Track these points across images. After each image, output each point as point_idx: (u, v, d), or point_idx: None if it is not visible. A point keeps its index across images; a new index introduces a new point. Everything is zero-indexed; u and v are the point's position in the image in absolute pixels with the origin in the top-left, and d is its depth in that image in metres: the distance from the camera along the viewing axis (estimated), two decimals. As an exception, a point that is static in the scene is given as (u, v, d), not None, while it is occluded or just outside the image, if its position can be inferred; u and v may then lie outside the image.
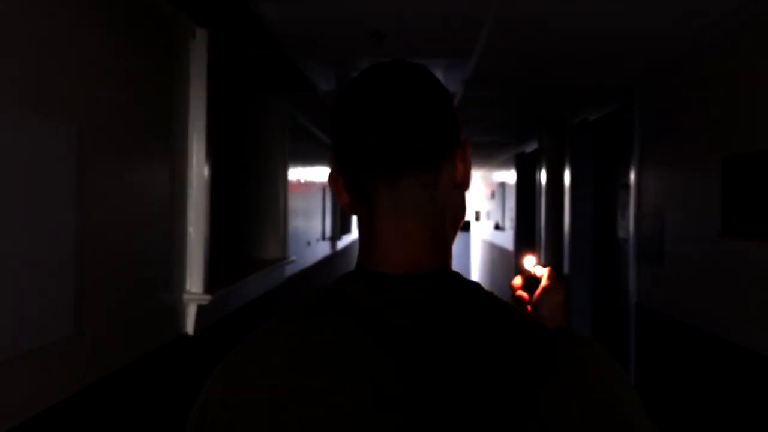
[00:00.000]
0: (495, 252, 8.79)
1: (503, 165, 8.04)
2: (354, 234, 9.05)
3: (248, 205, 3.80)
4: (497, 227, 8.39)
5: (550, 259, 5.39)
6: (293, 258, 4.03)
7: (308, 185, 5.11)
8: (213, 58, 2.49)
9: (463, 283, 0.73)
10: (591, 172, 4.60)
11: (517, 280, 1.01)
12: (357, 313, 0.70)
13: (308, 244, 5.12)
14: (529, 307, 0.98)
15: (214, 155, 2.57)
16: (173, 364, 2.36)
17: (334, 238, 6.69)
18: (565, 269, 4.76)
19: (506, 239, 7.76)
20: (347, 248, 8.24)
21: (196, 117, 2.42)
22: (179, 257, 2.37)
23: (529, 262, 1.05)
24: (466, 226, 12.83)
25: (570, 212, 4.67)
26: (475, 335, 0.67)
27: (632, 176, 3.42)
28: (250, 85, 3.64)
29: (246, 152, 3.77)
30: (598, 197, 4.53)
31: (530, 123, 5.44)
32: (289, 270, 4.29)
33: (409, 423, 0.64)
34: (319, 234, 5.77)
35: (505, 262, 7.82)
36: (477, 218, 10.91)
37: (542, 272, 1.01)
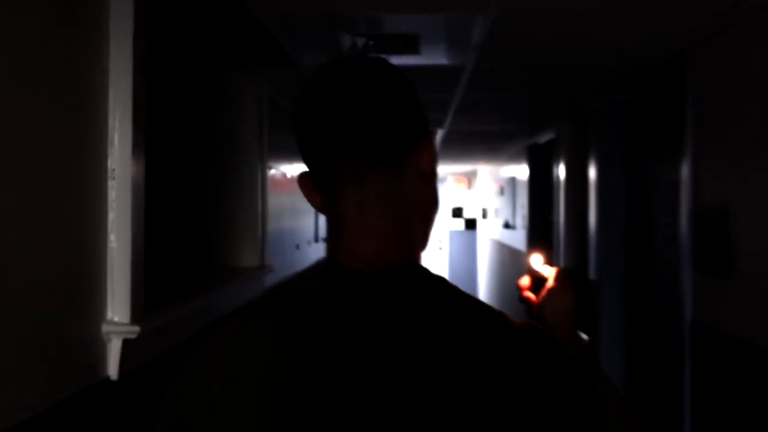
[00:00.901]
0: (504, 252, 8.14)
1: (513, 158, 7.38)
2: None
3: (217, 205, 3.17)
4: (507, 225, 7.74)
5: (572, 262, 4.74)
6: (273, 265, 3.39)
7: (295, 181, 4.47)
8: (147, 11, 1.86)
9: (425, 277, 0.72)
10: (621, 164, 3.95)
11: (525, 281, 1.00)
12: (306, 311, 0.69)
13: (297, 247, 4.49)
14: (535, 309, 0.96)
15: (161, 145, 1.93)
16: (90, 419, 1.73)
17: (318, 239, 6.06)
18: (591, 274, 4.12)
19: (517, 239, 7.11)
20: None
21: (120, 92, 1.78)
22: (96, 277, 1.74)
23: (537, 261, 1.00)
24: (472, 225, 12.19)
25: (596, 210, 4.02)
26: (430, 331, 0.66)
27: (684, 167, 2.77)
28: (213, 55, 3.00)
29: (213, 142, 3.14)
30: (632, 192, 3.89)
31: (545, 109, 4.78)
32: (272, 279, 3.66)
33: (353, 425, 0.62)
34: (311, 235, 5.14)
35: (516, 263, 7.17)
36: (484, 216, 10.25)
37: (550, 273, 0.98)
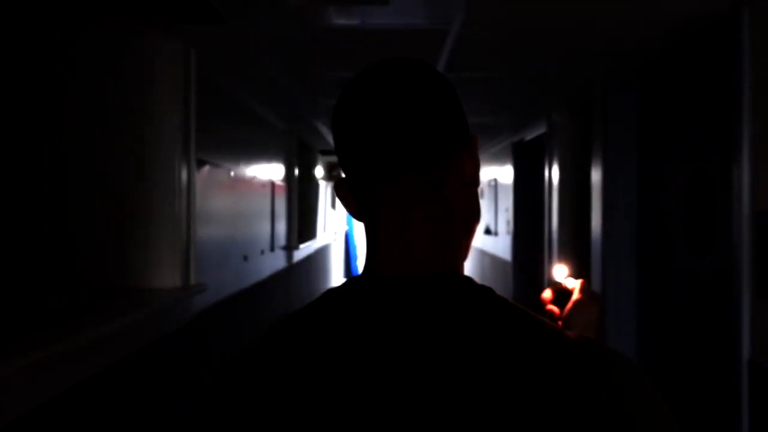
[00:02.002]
0: (485, 260, 7.45)
1: (495, 158, 6.70)
2: (321, 240, 7.68)
3: (119, 210, 2.41)
4: (488, 231, 7.05)
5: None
6: (203, 285, 2.64)
7: (245, 180, 3.72)
8: None
9: (471, 287, 0.69)
10: (632, 159, 3.26)
11: (547, 293, 0.97)
12: (348, 320, 0.67)
13: (245, 258, 3.74)
14: (560, 323, 0.93)
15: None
16: None
17: (291, 247, 5.31)
18: (595, 287, 3.43)
19: (501, 246, 6.42)
20: (311, 258, 6.85)
21: None
22: None
23: (560, 273, 0.99)
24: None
25: (601, 214, 3.33)
26: (474, 343, 0.62)
27: (745, 163, 2.06)
28: (118, 10, 2.24)
29: (116, 127, 2.38)
30: (646, 193, 3.20)
31: (536, 95, 4.09)
32: (208, 298, 2.91)
33: None
34: (266, 243, 4.40)
35: (500, 273, 6.48)
36: (462, 220, 9.58)
37: (574, 284, 0.96)
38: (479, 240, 7.80)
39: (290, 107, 4.39)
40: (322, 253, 7.99)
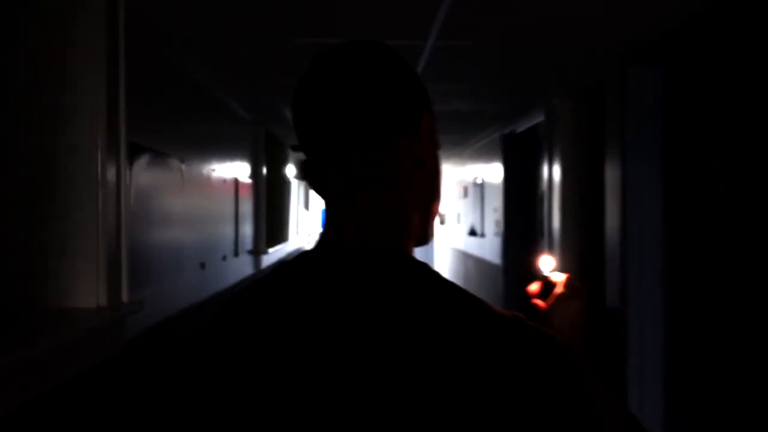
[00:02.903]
0: (469, 264, 6.96)
1: (481, 153, 6.20)
2: (294, 243, 7.12)
3: (30, 207, 1.83)
4: (473, 233, 6.55)
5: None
6: (138, 303, 2.07)
7: (202, 175, 3.16)
8: None
9: (404, 260, 0.69)
10: (658, 149, 2.77)
11: (534, 286, 0.96)
12: (283, 291, 0.70)
13: (202, 265, 3.18)
14: (541, 316, 0.92)
15: None
16: None
17: (258, 251, 4.75)
18: (612, 300, 2.93)
19: (487, 248, 5.92)
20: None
21: None
22: None
23: (546, 264, 0.96)
24: (429, 231, 10.99)
25: (620, 215, 2.84)
26: (399, 314, 0.63)
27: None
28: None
29: (16, 95, 1.81)
30: (673, 189, 2.71)
31: (530, 79, 3.59)
32: (153, 316, 2.35)
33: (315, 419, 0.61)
34: (230, 248, 3.84)
35: (487, 277, 5.98)
36: (442, 222, 9.07)
37: (560, 278, 0.94)
38: (462, 242, 7.30)
39: (254, 90, 3.84)
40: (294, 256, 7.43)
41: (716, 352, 2.39)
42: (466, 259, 7.14)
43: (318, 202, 9.86)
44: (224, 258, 3.67)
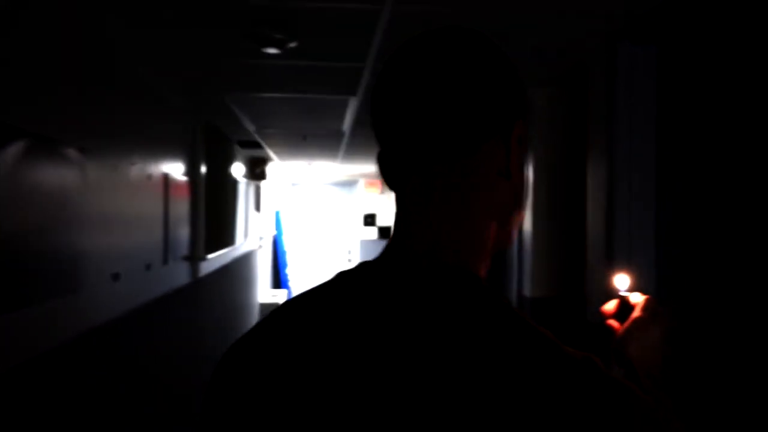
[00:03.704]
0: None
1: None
2: (242, 248, 6.58)
3: None
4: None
5: (544, 290, 3.15)
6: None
7: (115, 167, 2.63)
8: None
9: (474, 287, 0.64)
10: (650, 141, 2.36)
11: (610, 305, 0.89)
12: (341, 300, 0.67)
13: (116, 277, 2.65)
14: (614, 341, 0.85)
15: None
16: None
17: (195, 257, 4.22)
18: (592, 317, 2.52)
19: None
20: (229, 269, 5.74)
21: None
22: None
23: (622, 283, 0.88)
24: (388, 234, 10.57)
25: (603, 221, 2.42)
26: (459, 350, 0.58)
27: None
28: None
29: None
30: (671, 188, 2.30)
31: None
32: (35, 343, 1.83)
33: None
34: (156, 255, 3.31)
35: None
36: (367, 223, 8.62)
37: (638, 300, 0.86)
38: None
39: (192, 75, 3.33)
40: (243, 262, 6.89)
41: (718, 363, 1.98)
42: (426, 264, 6.70)
43: (271, 203, 9.31)
44: (148, 267, 3.14)
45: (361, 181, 10.86)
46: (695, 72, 2.13)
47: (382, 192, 10.81)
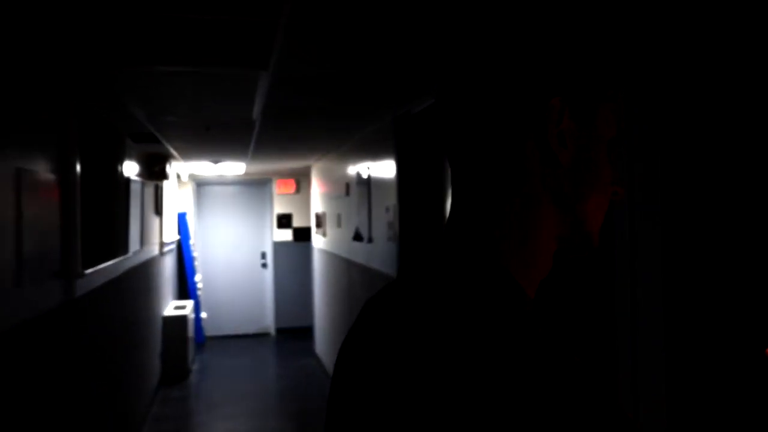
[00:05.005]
0: (353, 272, 5.82)
1: (366, 142, 5.11)
2: (139, 256, 5.67)
3: None
4: (358, 237, 5.43)
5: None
6: None
7: None
8: None
9: (474, 275, 0.62)
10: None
11: None
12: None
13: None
14: None
15: None
16: None
17: (71, 273, 3.34)
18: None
19: (377, 256, 4.81)
20: (120, 282, 4.83)
21: None
22: None
23: None
24: (304, 235, 9.82)
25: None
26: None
27: None
28: None
29: None
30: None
31: (428, 39, 2.51)
32: None
33: None
34: (6, 276, 2.45)
35: (376, 289, 4.87)
36: (319, 225, 7.91)
37: None
38: (345, 248, 6.17)
39: (58, 47, 2.49)
40: (141, 273, 5.96)
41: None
42: (349, 267, 6.01)
43: (174, 206, 8.34)
44: (35, 280, 2.29)
45: (274, 180, 10.03)
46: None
47: (296, 191, 10.03)
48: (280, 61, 2.71)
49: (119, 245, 4.79)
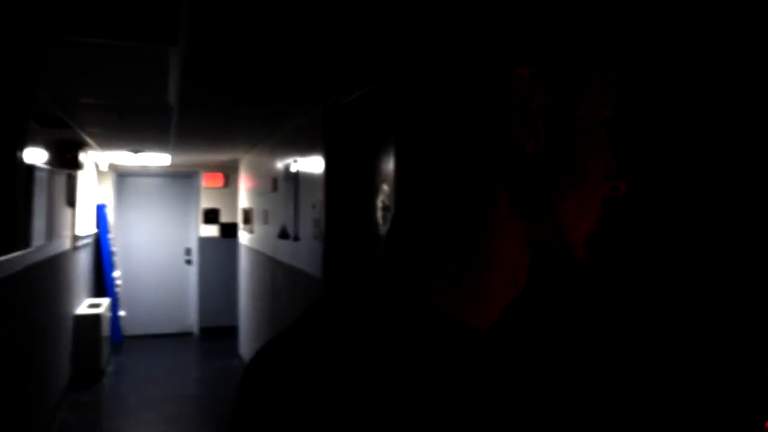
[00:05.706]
0: (278, 272, 5.49)
1: (294, 135, 4.80)
2: (46, 250, 5.18)
3: None
4: (284, 235, 5.11)
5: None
6: None
7: None
8: None
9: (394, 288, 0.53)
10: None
11: None
12: None
13: None
14: None
15: None
16: None
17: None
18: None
19: (303, 255, 4.51)
20: (13, 281, 4.34)
21: None
22: None
23: None
24: (231, 231, 9.39)
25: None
26: None
27: None
28: None
29: None
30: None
31: (363, 22, 2.25)
32: None
33: None
34: None
35: (302, 291, 4.58)
36: (247, 221, 7.53)
37: None
38: (271, 246, 5.84)
39: None
40: (46, 269, 5.45)
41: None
42: (274, 266, 5.68)
43: (91, 197, 7.78)
44: None
45: (201, 173, 9.56)
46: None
47: (224, 185, 9.59)
48: (189, 35, 2.38)
49: (18, 238, 4.31)
